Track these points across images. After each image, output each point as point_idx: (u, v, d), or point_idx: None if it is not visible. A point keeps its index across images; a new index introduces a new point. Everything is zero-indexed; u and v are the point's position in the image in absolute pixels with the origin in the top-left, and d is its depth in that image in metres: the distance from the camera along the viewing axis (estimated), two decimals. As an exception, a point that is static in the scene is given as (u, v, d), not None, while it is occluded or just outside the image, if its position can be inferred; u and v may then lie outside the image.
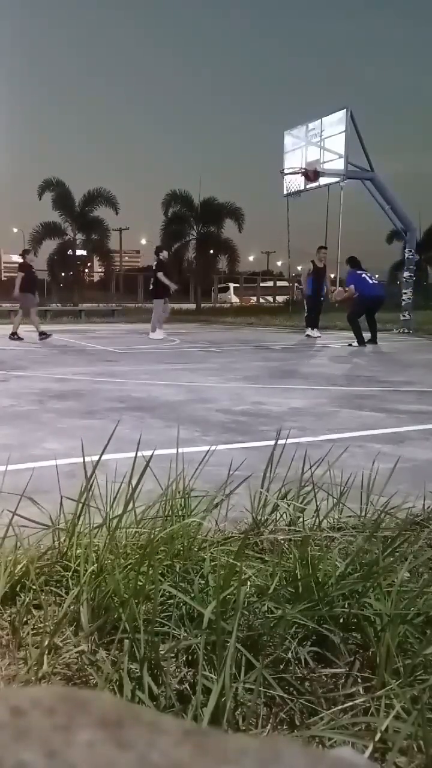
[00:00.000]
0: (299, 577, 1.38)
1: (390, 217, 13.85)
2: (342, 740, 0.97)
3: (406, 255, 14.20)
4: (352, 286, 10.15)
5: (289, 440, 2.32)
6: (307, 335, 12.28)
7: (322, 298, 12.39)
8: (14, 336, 10.76)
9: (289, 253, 18.90)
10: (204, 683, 1.04)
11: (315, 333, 12.26)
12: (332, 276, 13.56)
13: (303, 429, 3.51)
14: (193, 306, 28.83)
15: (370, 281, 10.39)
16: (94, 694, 0.29)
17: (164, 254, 12.62)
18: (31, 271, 11.44)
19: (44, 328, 11.34)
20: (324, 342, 11.10)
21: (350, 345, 9.96)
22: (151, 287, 12.05)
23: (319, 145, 14.43)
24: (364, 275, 10.25)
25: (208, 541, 1.60)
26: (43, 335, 10.66)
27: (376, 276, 10.69)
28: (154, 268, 12.05)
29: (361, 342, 10.00)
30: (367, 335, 10.19)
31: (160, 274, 11.70)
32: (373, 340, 10.31)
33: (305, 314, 13.12)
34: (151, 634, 1.14)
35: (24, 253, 11.95)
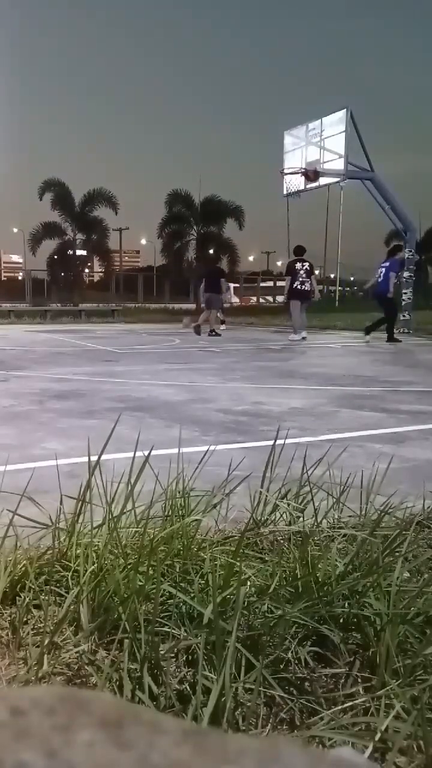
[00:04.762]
0: (299, 577, 1.38)
1: (390, 217, 13.85)
2: (342, 740, 0.97)
3: (406, 255, 14.20)
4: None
5: (289, 440, 2.32)
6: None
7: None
8: (212, 332, 12.40)
9: (289, 253, 18.91)
10: (204, 683, 1.04)
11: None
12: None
13: (303, 429, 3.51)
14: (193, 306, 28.83)
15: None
16: (94, 694, 0.29)
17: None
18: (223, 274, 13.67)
19: (46, 328, 11.37)
20: (324, 342, 11.11)
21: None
22: (304, 288, 11.69)
23: (319, 145, 14.42)
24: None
25: (207, 540, 1.60)
26: (213, 332, 12.34)
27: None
28: (309, 268, 11.71)
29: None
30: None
31: (313, 277, 11.78)
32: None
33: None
34: (151, 634, 1.14)
35: (215, 260, 14.13)
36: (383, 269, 10.93)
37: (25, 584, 1.40)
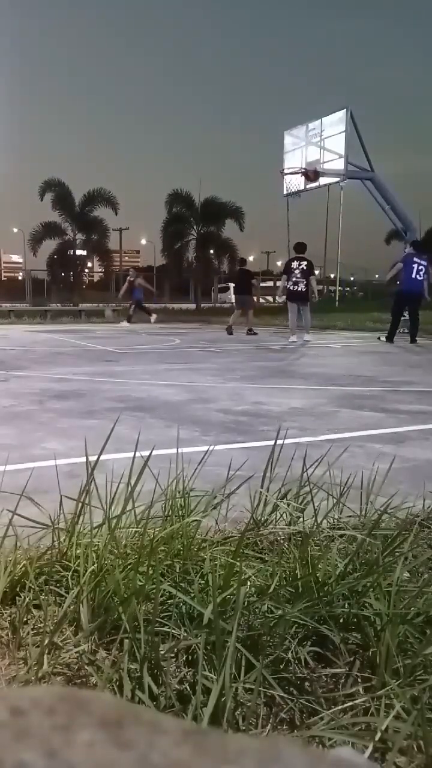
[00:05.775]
0: (299, 577, 1.38)
1: (390, 217, 13.87)
2: (342, 740, 0.97)
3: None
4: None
5: (289, 440, 2.32)
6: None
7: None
8: (250, 332, 12.85)
9: (290, 252, 18.92)
10: (204, 683, 1.04)
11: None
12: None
13: (303, 429, 3.51)
14: (193, 306, 28.85)
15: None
16: (94, 694, 0.29)
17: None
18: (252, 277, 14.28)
19: (46, 328, 11.38)
20: (324, 342, 11.10)
21: (379, 339, 10.69)
22: (298, 289, 11.12)
23: (319, 145, 14.44)
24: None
25: (207, 540, 1.60)
26: (251, 331, 12.85)
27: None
28: (305, 268, 11.07)
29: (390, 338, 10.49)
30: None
31: (312, 277, 11.24)
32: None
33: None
34: (151, 634, 1.13)
35: (243, 262, 15.03)
36: (423, 267, 10.10)
37: (25, 584, 1.40)
